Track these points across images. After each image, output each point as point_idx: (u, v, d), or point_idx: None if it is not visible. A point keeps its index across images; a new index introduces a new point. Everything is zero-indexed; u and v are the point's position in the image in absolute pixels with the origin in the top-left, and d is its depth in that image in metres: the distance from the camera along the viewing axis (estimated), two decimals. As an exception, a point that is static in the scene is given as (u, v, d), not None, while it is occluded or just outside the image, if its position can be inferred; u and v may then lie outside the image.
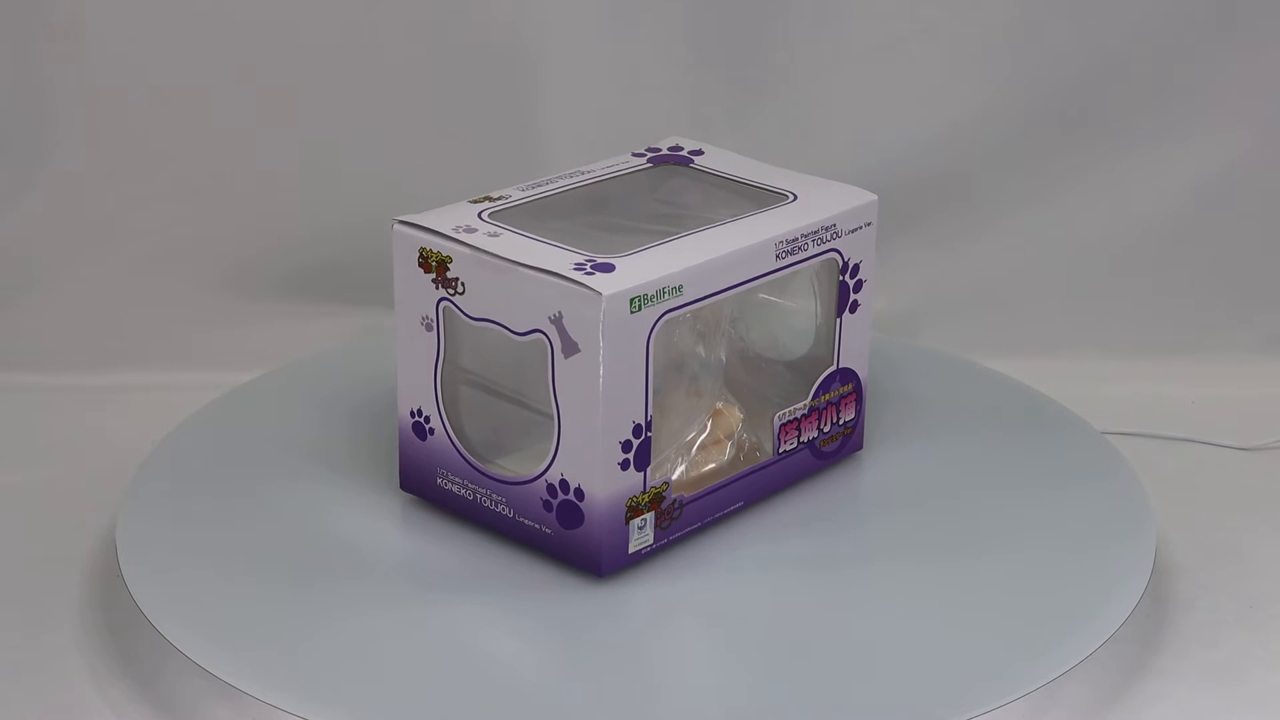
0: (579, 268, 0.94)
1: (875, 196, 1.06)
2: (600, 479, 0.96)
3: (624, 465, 0.96)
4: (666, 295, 0.95)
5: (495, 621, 0.97)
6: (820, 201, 1.05)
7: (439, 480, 1.03)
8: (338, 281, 1.37)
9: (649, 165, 1.10)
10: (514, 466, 1.01)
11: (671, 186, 1.10)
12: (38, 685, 0.97)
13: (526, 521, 1.00)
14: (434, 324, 1.00)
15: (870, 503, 1.08)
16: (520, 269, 0.95)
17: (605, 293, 0.92)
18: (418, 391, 1.02)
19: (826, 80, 1.34)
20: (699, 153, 1.12)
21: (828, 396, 1.08)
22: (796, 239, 1.02)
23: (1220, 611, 1.04)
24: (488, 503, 1.01)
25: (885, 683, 0.91)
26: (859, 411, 1.10)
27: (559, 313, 0.94)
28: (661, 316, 0.95)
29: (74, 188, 1.35)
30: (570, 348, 0.94)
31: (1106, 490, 1.08)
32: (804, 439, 1.07)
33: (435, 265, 0.98)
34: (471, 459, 1.01)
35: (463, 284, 0.97)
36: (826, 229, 1.04)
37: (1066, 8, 1.32)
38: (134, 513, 1.03)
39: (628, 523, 0.98)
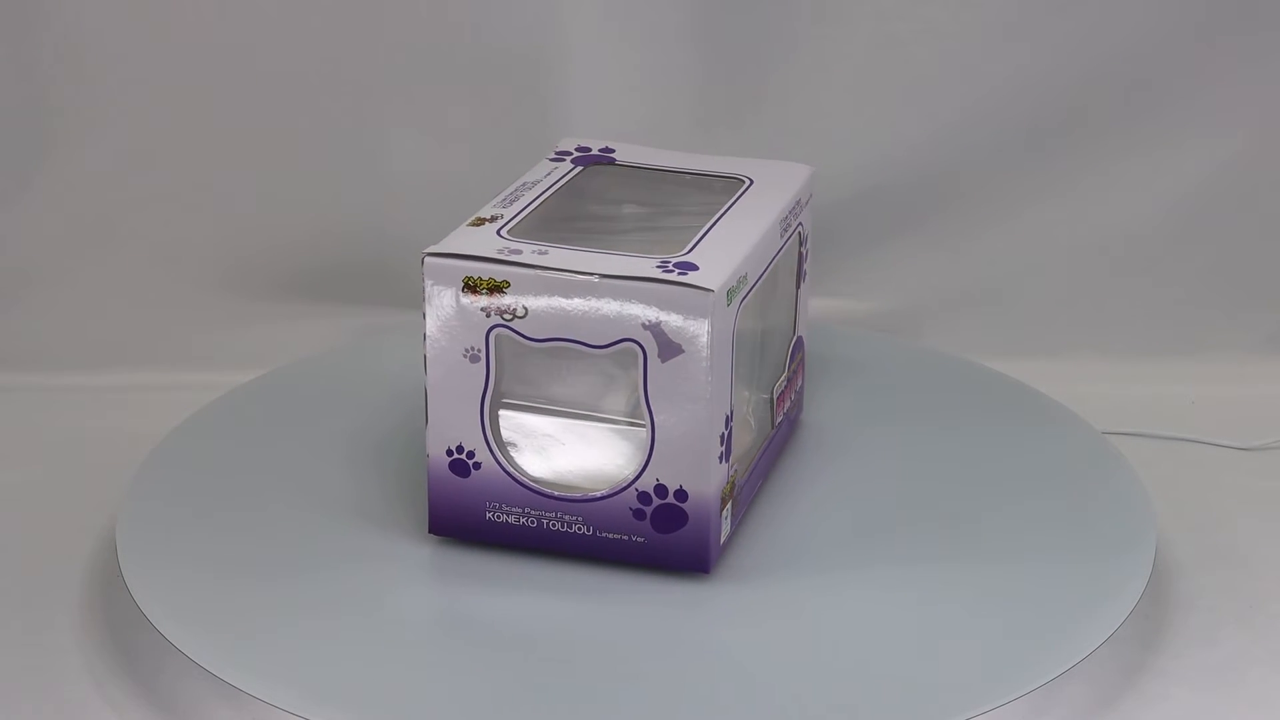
0: (664, 269, 0.93)
1: (813, 168, 1.09)
2: (704, 476, 0.95)
3: (720, 459, 0.96)
4: (740, 285, 0.96)
5: (500, 613, 0.96)
6: (777, 180, 1.06)
7: (488, 515, 0.99)
8: (338, 281, 1.37)
9: (579, 168, 1.08)
10: (560, 483, 0.99)
11: (624, 185, 1.09)
12: (38, 685, 0.97)
13: (610, 535, 0.97)
14: (481, 354, 0.96)
15: (870, 502, 1.08)
16: (607, 281, 0.93)
17: (714, 288, 0.92)
18: (458, 427, 0.97)
19: (826, 80, 1.34)
20: (610, 150, 1.11)
21: (793, 365, 1.10)
22: (785, 217, 1.03)
23: (1220, 611, 1.04)
24: (557, 526, 0.98)
25: (885, 681, 0.91)
26: (804, 377, 1.14)
27: (656, 317, 0.93)
28: (739, 306, 0.96)
29: (74, 188, 1.35)
30: (670, 351, 0.93)
31: (1106, 490, 1.08)
32: (785, 409, 1.09)
33: (488, 292, 0.94)
34: (533, 485, 0.98)
35: (524, 307, 0.94)
36: (798, 204, 1.05)
37: (1066, 8, 1.32)
38: (134, 513, 1.03)
39: (720, 515, 0.98)
